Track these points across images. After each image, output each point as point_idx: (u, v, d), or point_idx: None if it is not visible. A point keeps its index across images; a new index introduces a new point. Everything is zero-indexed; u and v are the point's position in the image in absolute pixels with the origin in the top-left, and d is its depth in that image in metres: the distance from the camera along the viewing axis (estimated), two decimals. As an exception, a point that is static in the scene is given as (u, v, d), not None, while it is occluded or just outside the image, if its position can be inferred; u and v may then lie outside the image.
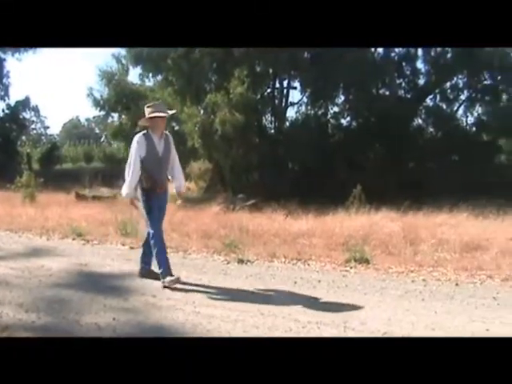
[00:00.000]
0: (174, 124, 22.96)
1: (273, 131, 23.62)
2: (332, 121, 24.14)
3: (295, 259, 7.85)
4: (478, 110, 23.44)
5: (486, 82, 22.42)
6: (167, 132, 6.75)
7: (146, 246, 6.70)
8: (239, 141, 20.16)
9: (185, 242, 9.04)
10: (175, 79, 22.23)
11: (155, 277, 6.51)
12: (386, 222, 10.46)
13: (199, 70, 21.23)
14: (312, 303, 5.66)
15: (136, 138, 6.45)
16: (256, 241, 9.05)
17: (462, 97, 23.40)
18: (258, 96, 22.63)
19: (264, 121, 23.67)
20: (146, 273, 6.75)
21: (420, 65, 23.81)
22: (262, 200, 15.41)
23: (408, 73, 23.59)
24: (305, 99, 24.10)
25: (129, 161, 6.47)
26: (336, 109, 24.19)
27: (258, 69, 22.07)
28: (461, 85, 23.20)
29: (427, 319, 5.05)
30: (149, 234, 6.52)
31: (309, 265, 7.60)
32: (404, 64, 23.49)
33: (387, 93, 23.78)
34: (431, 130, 23.78)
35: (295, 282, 6.55)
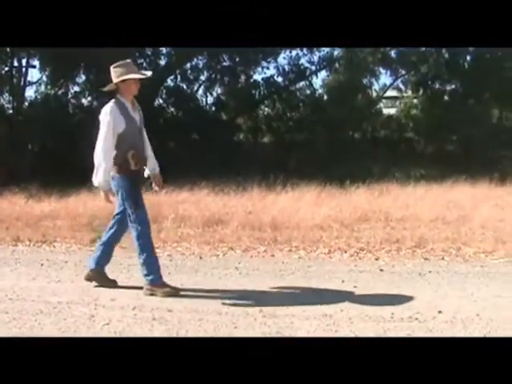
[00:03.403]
0: None
1: (11, 111, 22.34)
2: (73, 101, 23.45)
3: (40, 242, 7.60)
4: (218, 90, 24.40)
5: (224, 64, 23.32)
6: None
7: (106, 244, 5.45)
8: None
9: None
10: None
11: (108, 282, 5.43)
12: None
13: None
14: (60, 284, 5.56)
15: (107, 107, 5.08)
16: (-2, 226, 8.58)
17: (202, 77, 24.15)
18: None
19: (1, 100, 22.30)
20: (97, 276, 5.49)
21: (162, 46, 24.10)
22: (1, 183, 14.57)
23: (149, 53, 23.73)
24: (44, 78, 23.11)
25: (100, 138, 5.05)
26: (77, 88, 23.55)
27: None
28: (201, 65, 23.89)
29: None
30: (136, 233, 5.12)
31: (54, 247, 7.41)
32: (147, 45, 23.56)
33: (129, 72, 23.63)
34: (172, 109, 24.18)
35: (42, 265, 6.36)
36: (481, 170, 14.52)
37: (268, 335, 4.10)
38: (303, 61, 22.97)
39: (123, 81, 5.16)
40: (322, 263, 6.33)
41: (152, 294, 5.07)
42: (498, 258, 6.49)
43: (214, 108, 24.22)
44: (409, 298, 4.95)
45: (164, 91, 23.97)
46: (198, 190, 11.64)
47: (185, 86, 24.15)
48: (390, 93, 25.29)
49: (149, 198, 10.27)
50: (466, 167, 15.53)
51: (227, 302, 4.92)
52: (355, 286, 5.31)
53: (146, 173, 5.48)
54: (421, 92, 22.97)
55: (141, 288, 5.18)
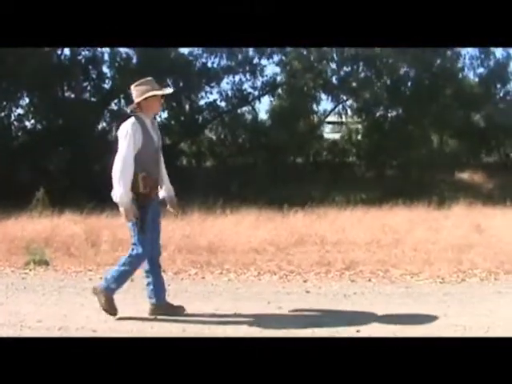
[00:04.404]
0: None
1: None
2: (16, 123, 23.25)
3: (-27, 264, 7.50)
4: (161, 114, 24.43)
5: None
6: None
7: (151, 273, 5.33)
8: None
9: None
10: None
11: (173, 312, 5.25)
12: (69, 224, 10.47)
13: None
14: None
15: (128, 124, 4.98)
16: None
17: (146, 101, 24.07)
18: None
19: None
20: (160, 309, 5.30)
21: (106, 69, 24.10)
22: None
23: (94, 76, 23.70)
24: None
25: (121, 155, 4.92)
26: (20, 111, 23.37)
27: None
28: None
29: (101, 313, 5.18)
30: (133, 255, 5.09)
31: (-13, 269, 7.32)
32: (90, 67, 23.52)
33: (73, 96, 23.60)
34: (115, 133, 23.99)
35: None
36: (419, 194, 14.88)
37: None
38: (246, 86, 23.33)
39: (145, 98, 5.06)
40: (250, 285, 6.43)
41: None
42: (423, 279, 6.70)
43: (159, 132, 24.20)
44: (330, 318, 5.08)
45: (108, 115, 23.92)
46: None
47: (129, 111, 24.07)
48: (333, 118, 25.74)
49: (89, 223, 10.40)
50: (405, 191, 15.90)
51: (152, 322, 5.01)
52: (280, 307, 5.42)
53: (162, 195, 5.42)
54: (363, 118, 23.45)
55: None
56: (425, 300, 5.79)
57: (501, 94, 24.31)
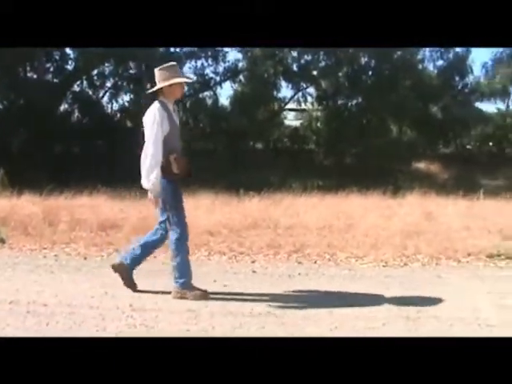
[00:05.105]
0: None
1: None
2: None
3: None
4: (124, 97, 24.40)
5: (131, 71, 23.32)
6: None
7: (143, 247, 5.48)
8: None
9: None
10: None
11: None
12: (27, 204, 10.51)
13: None
14: None
15: (153, 109, 5.10)
16: None
17: (108, 84, 24.10)
18: None
19: None
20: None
21: (69, 51, 23.88)
22: None
23: (57, 57, 23.49)
24: None
25: (151, 141, 5.02)
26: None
27: None
28: (107, 72, 23.81)
29: (53, 288, 5.50)
30: (176, 235, 5.22)
31: None
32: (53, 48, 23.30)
33: (35, 76, 23.38)
34: (77, 115, 24.00)
35: None
36: (376, 182, 15.10)
37: (133, 327, 4.42)
38: (208, 71, 23.40)
39: (170, 85, 5.17)
40: (200, 264, 6.59)
41: (182, 297, 5.17)
42: (367, 263, 6.97)
43: (119, 115, 24.20)
44: (271, 296, 5.34)
45: (70, 96, 23.80)
46: (97, 195, 11.71)
47: (91, 92, 24.06)
48: (294, 105, 25.92)
49: (48, 204, 10.46)
50: (362, 179, 16.16)
51: (99, 297, 5.25)
52: (225, 285, 5.65)
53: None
54: (323, 105, 23.69)
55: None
56: (365, 282, 6.07)
57: (459, 87, 24.76)
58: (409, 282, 6.16)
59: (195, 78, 5.90)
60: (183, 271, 5.24)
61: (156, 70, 5.25)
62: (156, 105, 5.13)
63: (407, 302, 5.30)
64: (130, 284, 5.40)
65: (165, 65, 5.28)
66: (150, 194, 5.21)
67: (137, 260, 5.46)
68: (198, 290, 5.26)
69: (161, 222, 5.40)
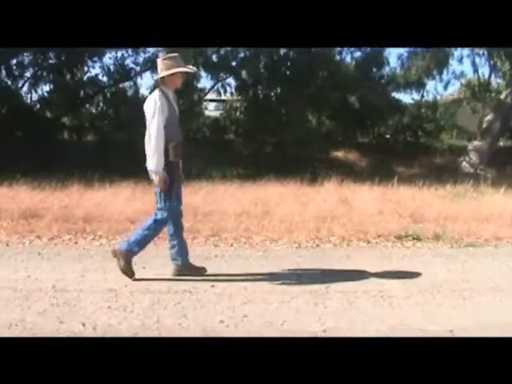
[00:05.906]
0: None
1: None
2: None
3: None
4: (43, 87, 23.94)
5: (50, 61, 22.93)
6: None
7: (176, 236, 5.72)
8: None
9: None
10: None
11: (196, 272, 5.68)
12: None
13: None
14: None
15: (154, 96, 5.31)
16: None
17: (28, 74, 23.60)
18: None
19: None
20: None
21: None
22: None
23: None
24: None
25: (155, 126, 5.21)
26: None
27: None
28: (26, 62, 23.33)
29: None
30: (158, 220, 5.52)
31: None
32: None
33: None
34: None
35: None
36: (294, 171, 15.48)
37: (56, 306, 4.64)
38: (128, 61, 23.20)
39: (171, 74, 5.38)
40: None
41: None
42: (281, 245, 7.36)
43: (38, 106, 23.77)
44: (188, 276, 5.65)
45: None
46: (17, 186, 11.68)
47: (9, 82, 23.52)
48: (214, 96, 26.05)
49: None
50: (280, 168, 16.53)
51: (23, 280, 5.44)
52: (144, 267, 5.90)
53: None
54: (243, 96, 23.91)
55: None
56: (279, 262, 6.45)
57: (376, 78, 25.41)
58: (319, 261, 6.59)
59: (196, 69, 5.83)
60: (142, 246, 5.58)
61: (159, 60, 5.50)
62: (156, 92, 5.37)
63: (316, 278, 5.73)
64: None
65: (167, 55, 5.61)
66: (155, 177, 5.38)
67: (184, 250, 5.76)
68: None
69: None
